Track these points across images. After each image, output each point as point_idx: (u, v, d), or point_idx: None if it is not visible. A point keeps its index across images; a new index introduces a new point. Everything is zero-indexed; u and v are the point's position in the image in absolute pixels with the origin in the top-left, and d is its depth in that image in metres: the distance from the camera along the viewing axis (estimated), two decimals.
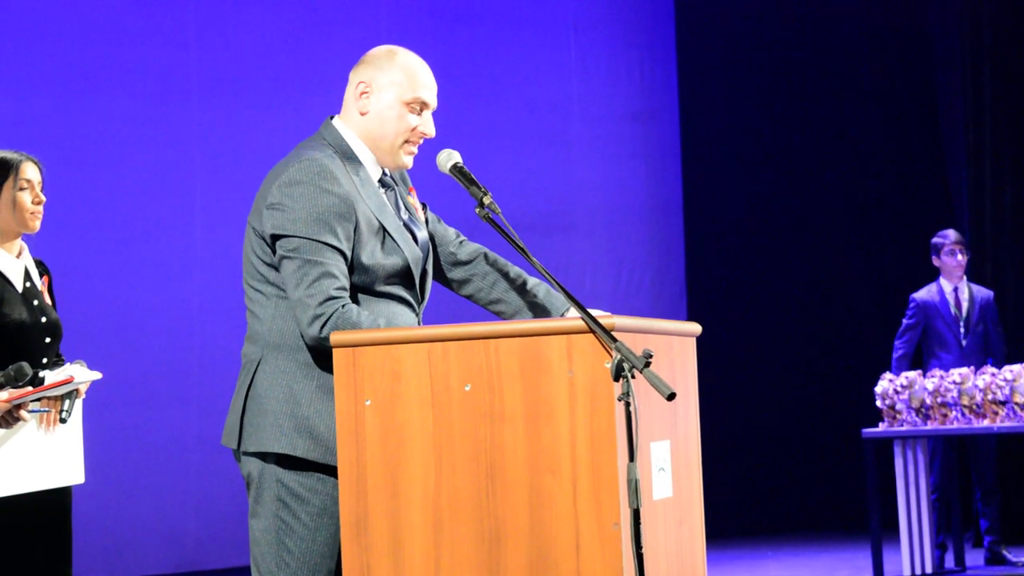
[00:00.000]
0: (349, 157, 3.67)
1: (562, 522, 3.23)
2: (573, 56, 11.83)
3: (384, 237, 3.62)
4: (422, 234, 3.77)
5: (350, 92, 3.74)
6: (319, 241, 3.51)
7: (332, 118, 3.77)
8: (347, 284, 3.53)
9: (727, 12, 12.72)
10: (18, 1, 9.25)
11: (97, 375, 4.69)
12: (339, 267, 3.52)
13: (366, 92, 3.71)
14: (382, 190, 3.71)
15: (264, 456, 3.55)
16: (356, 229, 3.56)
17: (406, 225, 3.72)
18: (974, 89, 11.40)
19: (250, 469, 3.58)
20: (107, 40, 9.48)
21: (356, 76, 3.74)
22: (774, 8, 12.71)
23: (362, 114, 3.71)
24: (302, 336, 3.51)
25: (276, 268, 3.58)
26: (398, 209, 3.74)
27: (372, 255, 3.58)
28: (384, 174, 3.76)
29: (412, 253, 3.67)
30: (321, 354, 3.52)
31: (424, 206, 3.91)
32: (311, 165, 3.56)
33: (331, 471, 3.52)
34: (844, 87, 12.66)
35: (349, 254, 3.55)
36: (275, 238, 3.54)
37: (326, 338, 3.43)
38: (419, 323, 3.71)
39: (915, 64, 12.39)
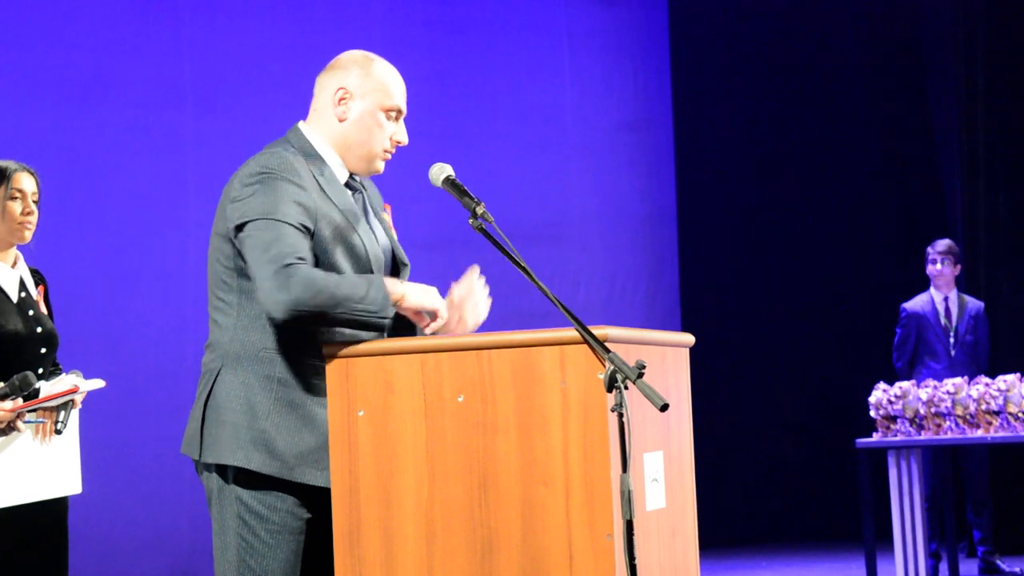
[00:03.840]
0: (312, 156, 3.66)
1: (555, 533, 3.23)
2: (567, 66, 11.83)
3: (349, 234, 3.59)
4: (383, 242, 3.74)
5: (325, 97, 3.71)
6: (277, 220, 3.47)
7: (299, 124, 3.75)
8: (308, 258, 3.48)
9: (721, 22, 12.74)
10: (10, 11, 9.24)
11: (100, 383, 4.69)
12: (299, 242, 3.47)
13: (345, 98, 3.69)
14: (348, 192, 3.70)
15: (223, 471, 3.52)
16: (316, 226, 3.53)
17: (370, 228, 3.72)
18: (968, 98, 11.41)
19: (210, 485, 3.55)
20: (101, 49, 9.47)
21: (331, 81, 3.71)
22: (768, 18, 12.72)
23: (340, 120, 3.70)
24: (270, 316, 3.43)
25: (240, 274, 3.54)
26: (365, 213, 3.73)
27: (334, 254, 3.55)
28: (352, 177, 3.74)
29: (375, 254, 3.65)
30: (283, 367, 3.50)
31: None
32: (270, 158, 3.56)
33: (289, 487, 3.50)
34: (838, 97, 12.67)
35: (310, 239, 3.51)
36: (238, 229, 3.51)
37: (296, 300, 3.37)
38: (384, 331, 3.66)
39: (908, 74, 12.40)
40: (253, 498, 3.49)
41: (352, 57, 3.75)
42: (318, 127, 3.71)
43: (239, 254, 3.53)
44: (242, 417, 3.49)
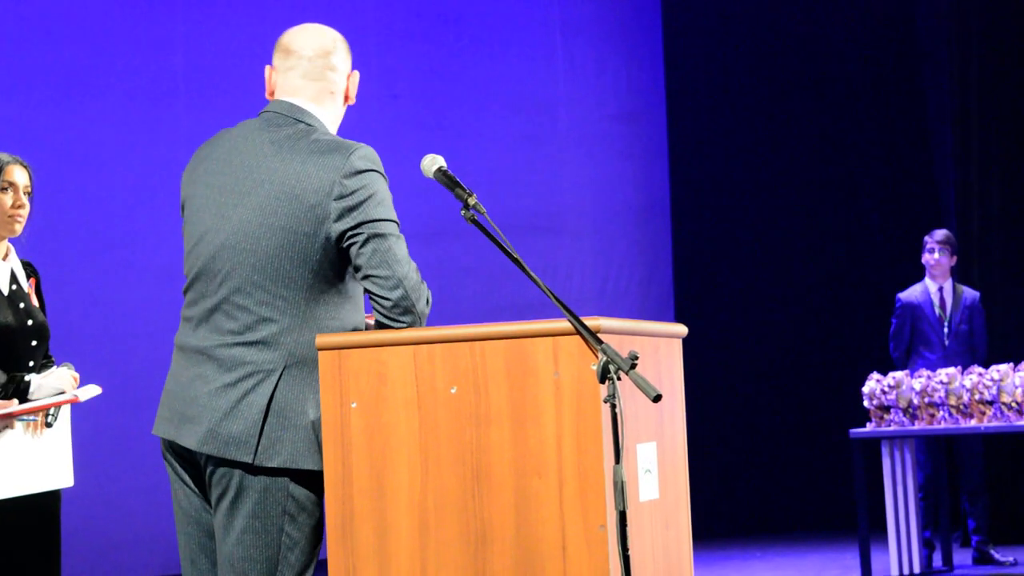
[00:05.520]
0: None
1: (548, 524, 3.23)
2: (560, 57, 11.83)
3: None
4: None
5: (340, 81, 3.68)
6: (397, 224, 3.47)
7: (305, 105, 3.64)
8: None
9: (714, 13, 12.74)
10: (2, 4, 9.23)
11: (97, 390, 4.69)
12: None
13: (352, 81, 3.71)
14: None
15: (273, 469, 3.42)
16: None
17: None
18: (961, 89, 11.41)
19: (247, 484, 3.43)
20: (94, 42, 9.46)
21: (345, 64, 3.69)
22: (761, 9, 12.72)
23: (348, 104, 3.70)
24: (403, 310, 3.40)
25: (316, 274, 3.44)
26: None
27: None
28: None
29: None
30: None
31: None
32: (370, 152, 3.50)
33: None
34: (831, 87, 12.68)
35: None
36: (359, 225, 3.41)
37: (425, 317, 3.42)
38: None
39: (902, 64, 12.41)
40: (303, 494, 3.43)
41: (340, 37, 3.72)
42: (330, 109, 3.67)
43: (333, 250, 3.44)
44: (316, 421, 3.42)
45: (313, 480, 3.45)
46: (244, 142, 3.60)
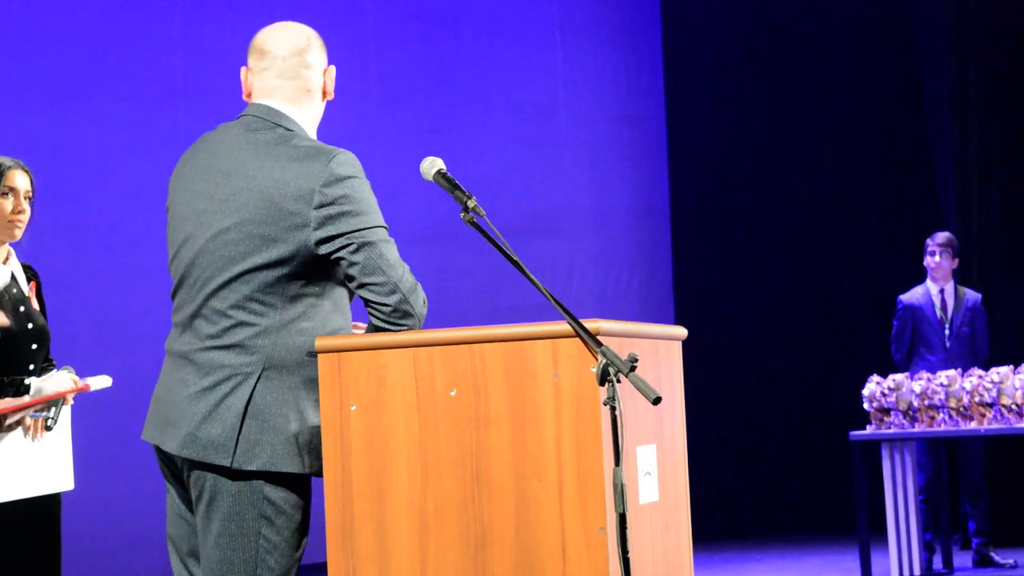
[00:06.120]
0: None
1: (548, 526, 3.23)
2: (559, 60, 11.83)
3: None
4: None
5: (316, 77, 3.66)
6: (386, 229, 3.46)
7: (281, 108, 3.61)
8: None
9: (713, 15, 12.74)
10: (3, 6, 9.23)
11: (108, 381, 4.69)
12: None
13: (329, 77, 3.70)
14: None
15: (245, 472, 3.40)
16: None
17: None
18: (960, 91, 11.41)
19: (219, 487, 3.42)
20: (94, 45, 9.46)
21: (318, 60, 3.68)
22: (760, 12, 12.72)
23: (330, 99, 3.69)
24: (403, 314, 3.40)
25: (293, 278, 3.42)
26: None
27: None
28: None
29: None
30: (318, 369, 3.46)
31: None
32: (350, 158, 3.47)
33: (309, 483, 3.46)
34: (830, 89, 12.68)
35: None
36: (345, 235, 3.39)
37: (423, 316, 3.42)
38: None
39: (901, 66, 12.40)
40: (281, 497, 3.42)
41: (314, 33, 3.71)
42: (307, 109, 3.66)
43: (312, 257, 3.42)
44: (296, 424, 3.41)
45: (294, 483, 3.44)
46: (223, 147, 3.59)
